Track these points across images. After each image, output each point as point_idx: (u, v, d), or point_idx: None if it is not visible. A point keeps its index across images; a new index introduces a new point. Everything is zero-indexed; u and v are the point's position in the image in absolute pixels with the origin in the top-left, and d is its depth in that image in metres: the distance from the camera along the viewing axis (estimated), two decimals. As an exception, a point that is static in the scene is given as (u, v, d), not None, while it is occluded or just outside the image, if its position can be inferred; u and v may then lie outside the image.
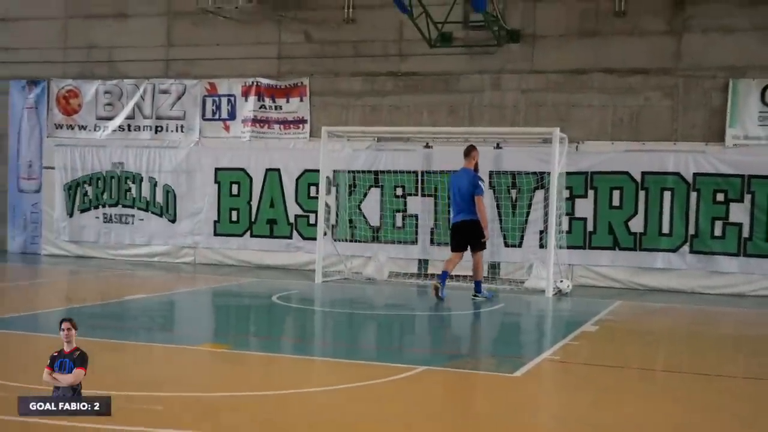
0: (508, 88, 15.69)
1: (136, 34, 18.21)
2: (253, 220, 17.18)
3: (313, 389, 7.71)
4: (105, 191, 18.37)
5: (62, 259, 18.25)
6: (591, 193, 14.97)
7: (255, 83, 17.24)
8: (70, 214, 18.63)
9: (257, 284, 14.79)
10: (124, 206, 18.23)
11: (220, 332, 11.37)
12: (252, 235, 17.22)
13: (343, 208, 16.15)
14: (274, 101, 17.19)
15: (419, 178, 15.88)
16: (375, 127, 15.96)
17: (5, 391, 6.67)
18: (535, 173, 14.86)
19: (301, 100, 16.98)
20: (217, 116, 17.63)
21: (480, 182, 13.00)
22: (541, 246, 14.54)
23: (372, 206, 16.14)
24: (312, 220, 16.22)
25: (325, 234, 15.44)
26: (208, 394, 7.35)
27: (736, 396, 7.70)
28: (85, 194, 18.55)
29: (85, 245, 18.48)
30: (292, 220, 16.84)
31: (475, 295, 13.12)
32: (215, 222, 17.51)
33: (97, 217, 18.42)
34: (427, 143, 15.82)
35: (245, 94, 17.34)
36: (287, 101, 17.11)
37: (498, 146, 15.28)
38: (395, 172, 16.00)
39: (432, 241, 15.80)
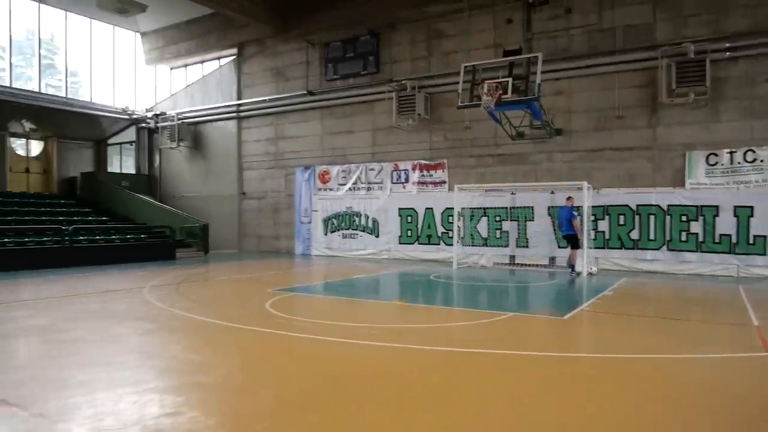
0: (556, 160, 15.26)
1: (357, 141, 18.74)
2: (419, 235, 17.24)
3: (450, 324, 7.84)
4: (343, 222, 18.85)
5: (322, 257, 18.83)
6: (607, 217, 14.32)
7: (418, 163, 17.43)
8: (326, 234, 19.35)
9: (422, 269, 14.89)
10: (352, 229, 18.62)
11: (403, 294, 11.63)
12: (419, 243, 17.24)
13: (467, 228, 16.04)
14: (428, 172, 17.33)
15: (508, 211, 15.63)
16: (484, 184, 15.83)
17: (307, 331, 7.06)
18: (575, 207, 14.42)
19: (443, 171, 17.03)
20: (399, 181, 17.80)
21: (574, 212, 13.15)
22: (579, 247, 14.05)
23: (483, 226, 15.96)
24: (450, 235, 16.27)
25: (457, 242, 15.52)
26: (398, 325, 7.60)
27: (693, 331, 7.32)
28: (333, 223, 19.18)
29: (333, 250, 18.99)
30: (439, 234, 16.86)
31: (570, 273, 13.21)
32: (399, 236, 17.61)
33: (339, 235, 18.90)
34: (512, 191, 15.57)
35: (413, 168, 17.51)
36: (435, 172, 17.21)
37: (552, 192, 14.91)
38: (495, 207, 15.85)
39: (517, 245, 15.43)
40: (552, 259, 14.87)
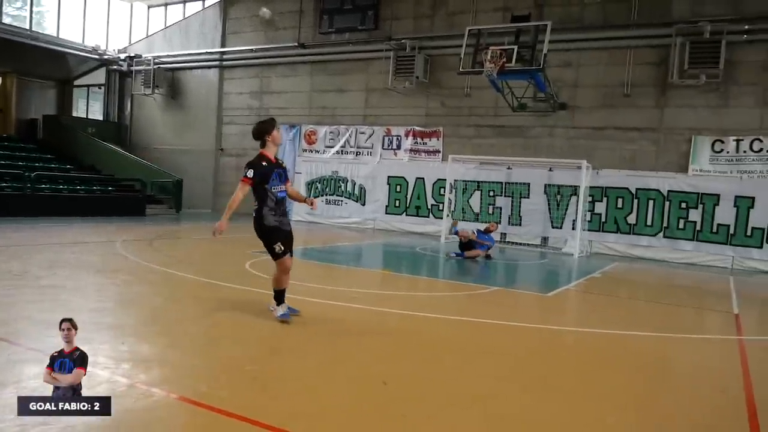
0: (557, 135, 15.86)
1: (348, 101, 19.13)
2: (407, 205, 17.74)
3: (432, 293, 8.49)
4: (327, 186, 19.27)
5: (302, 223, 18.95)
6: (605, 199, 14.91)
7: (412, 129, 17.88)
8: (308, 199, 19.75)
9: (408, 241, 15.47)
10: (337, 195, 19.06)
11: (387, 263, 12.27)
12: (407, 215, 17.75)
13: (459, 201, 16.53)
14: (422, 139, 17.78)
15: (503, 186, 16.13)
16: (479, 156, 16.32)
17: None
18: (571, 186, 14.95)
19: (438, 139, 17.50)
20: (390, 147, 18.27)
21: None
22: (573, 228, 14.73)
23: (476, 201, 16.48)
24: (440, 208, 16.72)
25: (447, 215, 16.04)
26: (378, 291, 8.23)
27: (669, 314, 8.03)
28: (317, 188, 19.55)
29: (315, 216, 19.21)
30: (429, 207, 17.35)
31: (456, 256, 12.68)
32: (386, 206, 18.12)
33: (323, 201, 19.28)
34: (509, 166, 16.06)
35: (407, 135, 17.96)
36: (429, 140, 17.66)
37: (551, 170, 15.47)
38: (490, 182, 16.34)
39: (509, 222, 15.90)
40: (544, 239, 15.58)
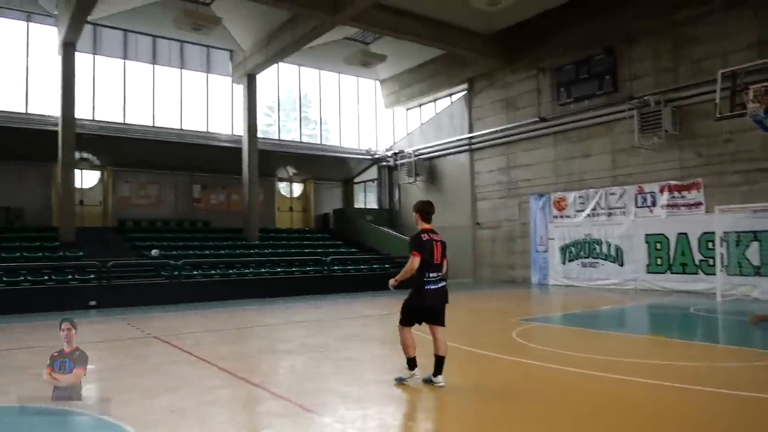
0: None
1: (594, 164, 18.15)
2: (671, 263, 15.89)
3: (716, 364, 7.16)
4: (582, 250, 18.33)
5: (560, 287, 18.49)
6: None
7: (667, 184, 16.15)
8: (564, 263, 18.99)
9: (676, 302, 13.70)
10: (593, 257, 17.99)
11: (657, 328, 10.90)
12: (671, 272, 15.89)
13: (732, 255, 14.26)
14: (680, 193, 15.91)
15: (787, 234, 13.55)
16: (752, 204, 13.90)
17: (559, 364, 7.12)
18: None
19: (698, 191, 15.47)
20: (644, 205, 16.71)
21: None
22: None
23: (753, 252, 14.01)
24: (710, 263, 14.64)
25: (721, 270, 13.90)
26: (651, 361, 7.22)
27: None
28: (571, 252, 18.77)
29: (572, 279, 18.54)
30: (697, 262, 15.30)
31: None
32: (647, 265, 16.49)
33: (578, 264, 18.41)
34: (791, 211, 13.47)
35: (661, 190, 16.26)
36: (689, 192, 15.71)
37: None
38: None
39: None
40: None
